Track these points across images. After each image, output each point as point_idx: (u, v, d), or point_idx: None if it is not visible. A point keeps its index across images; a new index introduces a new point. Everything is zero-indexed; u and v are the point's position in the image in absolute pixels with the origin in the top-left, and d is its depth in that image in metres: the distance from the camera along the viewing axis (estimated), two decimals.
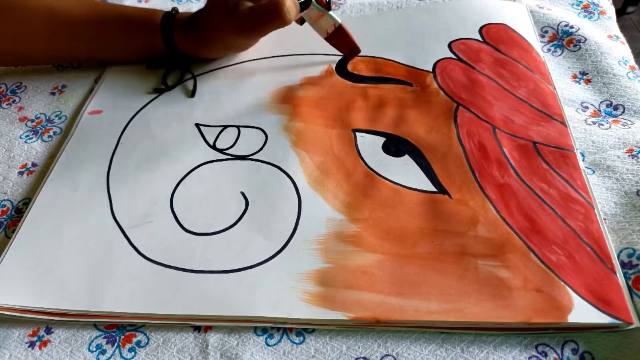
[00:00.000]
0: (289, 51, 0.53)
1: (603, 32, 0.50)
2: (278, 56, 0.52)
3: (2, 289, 0.37)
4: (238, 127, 0.46)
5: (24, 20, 0.50)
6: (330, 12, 0.48)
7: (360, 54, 0.50)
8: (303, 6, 0.45)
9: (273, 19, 0.43)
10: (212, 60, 0.53)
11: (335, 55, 0.51)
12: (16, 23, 0.50)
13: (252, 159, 0.43)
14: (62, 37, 0.51)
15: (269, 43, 0.53)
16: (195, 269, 0.37)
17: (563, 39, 0.50)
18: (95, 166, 0.44)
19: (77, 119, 0.49)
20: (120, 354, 0.35)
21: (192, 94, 0.49)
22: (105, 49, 0.53)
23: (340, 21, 0.49)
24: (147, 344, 0.35)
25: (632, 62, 0.47)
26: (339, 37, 0.49)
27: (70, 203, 0.42)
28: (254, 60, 0.52)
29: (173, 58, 0.51)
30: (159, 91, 0.51)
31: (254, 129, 0.45)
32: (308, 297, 0.34)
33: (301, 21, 0.50)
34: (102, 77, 0.53)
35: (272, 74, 0.51)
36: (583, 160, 0.40)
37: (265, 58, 0.53)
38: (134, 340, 0.35)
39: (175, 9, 0.50)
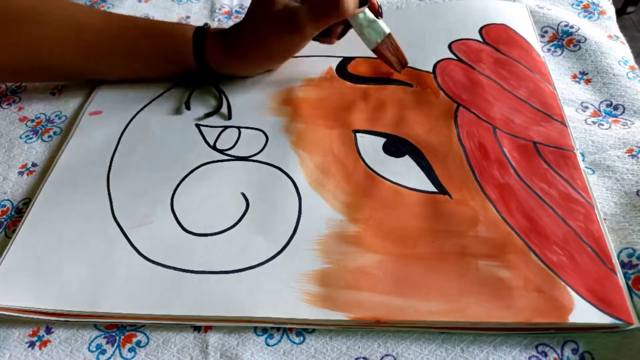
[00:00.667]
0: None
1: (603, 32, 0.50)
2: None
3: (2, 290, 0.37)
4: (238, 127, 0.46)
5: (47, 29, 0.48)
6: (380, 21, 0.46)
7: (361, 54, 0.50)
8: (362, 3, 0.43)
9: (332, 10, 0.42)
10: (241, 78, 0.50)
11: (335, 56, 0.51)
12: (38, 32, 0.48)
13: (252, 160, 0.43)
14: (89, 52, 0.49)
15: None
16: (195, 269, 0.37)
17: (563, 39, 0.50)
18: (95, 167, 0.44)
19: (77, 120, 0.49)
20: (120, 354, 0.35)
21: (228, 116, 0.47)
22: (133, 64, 0.50)
23: (388, 30, 0.46)
24: (147, 344, 0.35)
25: (632, 62, 0.47)
26: (387, 48, 0.47)
27: (70, 203, 0.42)
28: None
29: (202, 75, 0.48)
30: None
31: (255, 130, 0.45)
32: (308, 298, 0.34)
33: (340, 34, 0.48)
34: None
35: (272, 75, 0.51)
36: (583, 160, 0.40)
37: None
38: (134, 340, 0.35)
39: (207, 25, 0.48)
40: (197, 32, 0.47)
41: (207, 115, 0.48)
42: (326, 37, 0.47)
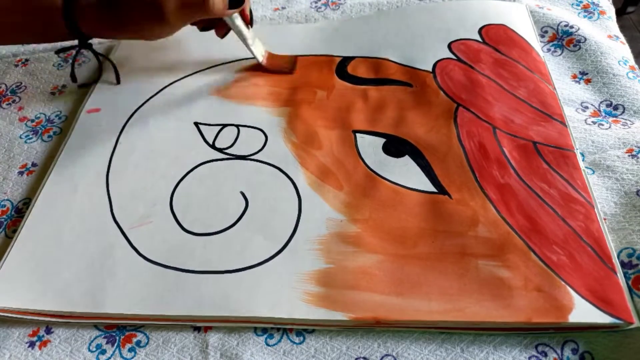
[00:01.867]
0: (290, 51, 0.53)
1: (603, 32, 0.50)
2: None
3: (3, 291, 0.37)
4: (237, 126, 0.46)
5: None
6: (257, 39, 0.49)
7: (360, 54, 0.50)
8: (235, 2, 0.44)
9: (197, 8, 0.42)
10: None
11: (339, 56, 0.51)
12: None
13: (252, 159, 0.43)
14: None
15: (269, 43, 0.53)
16: (195, 269, 0.37)
17: (563, 39, 0.50)
18: (94, 166, 0.44)
19: (74, 119, 0.49)
20: (120, 354, 0.35)
21: (117, 81, 0.49)
22: (7, 33, 0.49)
23: (265, 51, 0.51)
24: (147, 344, 0.35)
25: (632, 62, 0.47)
26: (275, 61, 0.51)
27: (70, 204, 0.42)
28: (250, 58, 0.52)
29: (79, 42, 0.48)
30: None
31: (254, 129, 0.45)
32: (308, 298, 0.34)
33: (225, 33, 0.50)
34: (100, 75, 0.53)
35: (272, 75, 0.51)
36: (583, 160, 0.40)
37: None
38: (134, 340, 0.35)
39: None
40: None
41: (87, 84, 0.50)
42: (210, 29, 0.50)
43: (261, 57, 0.50)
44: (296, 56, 0.51)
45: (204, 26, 0.50)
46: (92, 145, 0.46)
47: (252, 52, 0.49)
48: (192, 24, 0.49)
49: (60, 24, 0.46)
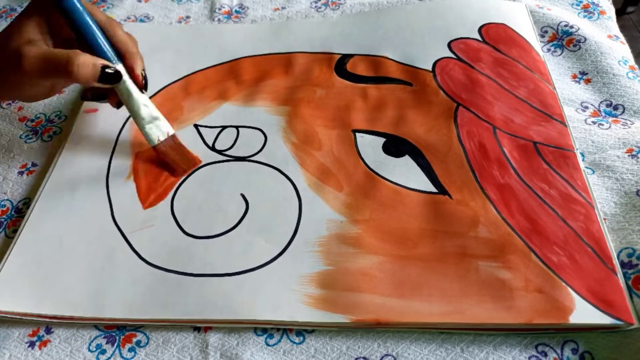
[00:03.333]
0: (288, 48, 0.52)
1: (603, 32, 0.50)
2: (276, 53, 0.52)
3: (3, 294, 0.37)
4: (237, 127, 0.46)
5: None
6: (163, 118, 0.43)
7: (360, 52, 0.50)
8: (109, 77, 0.39)
9: (60, 70, 0.38)
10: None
11: (338, 53, 0.50)
12: None
13: (251, 161, 0.43)
14: None
15: (267, 40, 0.53)
16: (196, 272, 0.37)
17: (563, 39, 0.50)
18: (94, 168, 0.44)
19: (74, 119, 0.49)
20: (120, 354, 0.35)
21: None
22: None
23: (172, 131, 0.43)
24: (147, 344, 0.35)
25: (632, 62, 0.47)
26: (173, 150, 0.43)
27: (70, 207, 0.42)
28: (250, 57, 0.52)
29: None
30: None
31: (253, 130, 0.45)
32: (309, 300, 0.34)
33: (119, 103, 0.43)
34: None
35: (271, 74, 0.50)
36: (583, 160, 0.40)
37: (262, 55, 0.52)
38: (134, 340, 0.35)
39: None
40: None
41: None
42: (102, 101, 0.45)
43: (155, 139, 0.42)
44: (199, 161, 0.43)
45: (92, 95, 0.45)
46: (91, 145, 0.46)
47: (142, 129, 0.42)
48: (83, 97, 0.46)
49: None
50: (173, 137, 0.43)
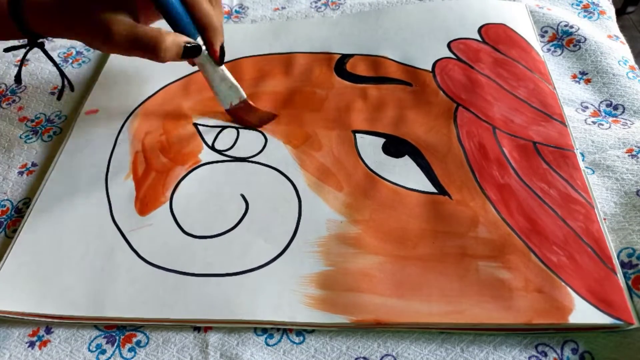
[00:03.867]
0: (288, 48, 0.52)
1: (603, 32, 0.50)
2: (276, 54, 0.52)
3: (3, 294, 0.37)
4: (237, 128, 0.46)
5: None
6: (234, 81, 0.44)
7: (359, 52, 0.50)
8: (190, 52, 0.40)
9: (148, 53, 0.39)
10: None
11: (337, 53, 0.50)
12: None
13: (251, 161, 0.43)
14: None
15: (267, 40, 0.53)
16: (196, 272, 0.37)
17: (563, 39, 0.50)
18: (94, 168, 0.44)
19: (74, 119, 0.49)
20: (120, 354, 0.35)
21: (70, 88, 0.47)
22: None
23: (245, 95, 0.45)
24: (147, 344, 0.35)
25: (632, 62, 0.47)
26: (243, 111, 0.46)
27: (69, 207, 0.42)
28: (250, 57, 0.52)
29: (29, 41, 0.44)
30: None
31: (253, 130, 0.45)
32: (309, 301, 0.34)
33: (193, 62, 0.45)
34: (98, 76, 0.53)
35: (271, 74, 0.50)
36: (583, 160, 0.40)
37: (262, 55, 0.52)
38: (134, 340, 0.35)
39: None
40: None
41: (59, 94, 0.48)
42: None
43: (228, 104, 0.45)
44: (274, 115, 0.46)
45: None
46: (91, 146, 0.46)
47: (217, 95, 0.45)
48: None
49: (8, 22, 0.42)
50: (245, 101, 0.45)
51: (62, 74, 0.47)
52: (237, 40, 0.54)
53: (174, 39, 0.39)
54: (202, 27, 0.41)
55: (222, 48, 0.43)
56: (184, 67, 0.52)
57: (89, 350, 0.35)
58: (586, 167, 0.39)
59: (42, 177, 0.45)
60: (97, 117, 0.49)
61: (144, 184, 0.43)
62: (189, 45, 0.40)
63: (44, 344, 0.36)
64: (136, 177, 0.43)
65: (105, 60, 0.54)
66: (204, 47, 0.42)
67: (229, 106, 0.45)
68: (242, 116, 0.46)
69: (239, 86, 0.45)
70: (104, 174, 0.44)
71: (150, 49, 0.38)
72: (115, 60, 0.54)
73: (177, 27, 0.40)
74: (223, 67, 0.44)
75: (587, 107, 0.44)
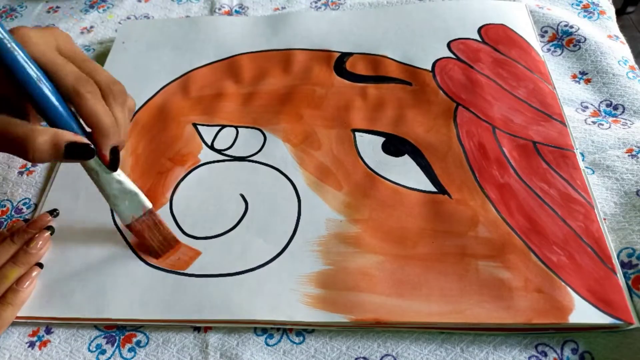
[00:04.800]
0: (287, 45, 0.52)
1: (603, 32, 0.50)
2: (275, 50, 0.52)
3: None
4: (236, 127, 0.46)
5: None
6: (140, 192, 0.37)
7: (359, 51, 0.50)
8: (76, 153, 0.32)
9: (16, 152, 0.32)
10: None
11: (337, 52, 0.50)
12: None
13: (251, 160, 0.43)
14: None
15: (266, 35, 0.53)
16: (196, 273, 0.37)
17: (563, 39, 0.50)
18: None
19: None
20: (120, 354, 0.35)
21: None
22: None
23: (150, 205, 0.37)
24: (147, 344, 0.35)
25: (632, 62, 0.47)
26: (148, 227, 0.38)
27: (72, 211, 0.42)
28: (248, 53, 0.52)
29: None
30: None
31: (252, 129, 0.45)
32: (309, 300, 0.34)
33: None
34: None
35: (269, 71, 0.50)
36: (583, 160, 0.40)
37: (260, 52, 0.52)
38: (134, 340, 0.35)
39: None
40: None
41: None
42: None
43: (129, 217, 0.37)
44: (177, 241, 0.39)
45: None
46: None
47: (113, 207, 0.37)
48: None
49: None
50: (150, 212, 0.38)
51: None
52: (235, 35, 0.54)
53: (48, 137, 0.31)
54: (89, 127, 0.34)
55: (114, 152, 0.35)
56: (182, 65, 0.52)
57: (89, 350, 0.35)
58: (586, 167, 0.39)
59: (42, 177, 0.45)
60: None
61: (145, 185, 0.42)
62: (75, 144, 0.32)
63: (44, 344, 0.36)
64: (137, 178, 0.43)
65: (104, 62, 0.54)
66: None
67: (130, 220, 0.37)
68: (144, 234, 0.38)
69: (141, 194, 0.37)
70: None
71: (18, 148, 0.31)
72: (115, 60, 0.54)
73: (58, 126, 0.33)
74: (120, 172, 0.36)
75: (587, 107, 0.44)
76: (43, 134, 0.31)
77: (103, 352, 0.35)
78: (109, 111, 0.34)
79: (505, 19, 0.51)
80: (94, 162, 0.35)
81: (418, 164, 0.41)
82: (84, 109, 0.33)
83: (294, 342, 0.34)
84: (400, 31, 0.52)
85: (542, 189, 0.38)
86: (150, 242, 0.38)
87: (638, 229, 0.35)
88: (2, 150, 0.32)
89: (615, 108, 0.44)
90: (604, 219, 0.36)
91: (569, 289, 0.33)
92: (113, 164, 0.35)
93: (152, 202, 0.38)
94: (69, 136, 0.32)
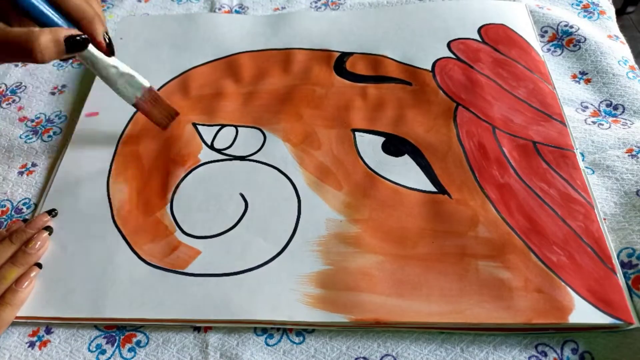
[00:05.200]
0: (287, 44, 0.52)
1: (603, 32, 0.50)
2: (275, 49, 0.52)
3: None
4: (236, 126, 0.46)
5: None
6: (137, 74, 0.41)
7: (359, 50, 0.50)
8: (73, 47, 0.35)
9: (22, 56, 0.34)
10: None
11: (337, 51, 0.50)
12: None
13: (250, 160, 0.43)
14: None
15: (265, 34, 0.53)
16: (195, 272, 0.37)
17: (563, 39, 0.50)
18: (95, 171, 0.44)
19: (76, 121, 0.49)
20: (120, 354, 0.35)
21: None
22: None
23: (148, 84, 0.42)
24: (147, 344, 0.35)
25: (631, 62, 0.47)
26: (150, 102, 0.43)
27: (72, 211, 0.42)
28: (248, 52, 0.52)
29: None
30: None
31: (252, 129, 0.45)
32: (308, 300, 0.34)
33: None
34: (96, 77, 0.53)
35: (270, 71, 0.50)
36: (583, 160, 0.40)
37: (260, 51, 0.52)
38: (134, 340, 0.35)
39: None
40: None
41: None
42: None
43: (133, 97, 0.42)
44: (177, 112, 0.45)
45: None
46: (93, 148, 0.46)
47: (117, 92, 0.41)
48: None
49: None
50: (150, 90, 0.42)
51: None
52: (234, 33, 0.54)
53: (50, 35, 0.33)
54: (75, 21, 0.36)
55: (107, 37, 0.38)
56: (181, 64, 0.52)
57: (89, 350, 0.35)
58: (586, 167, 0.40)
59: (42, 177, 0.45)
60: (99, 119, 0.48)
61: (145, 186, 0.42)
62: (71, 37, 0.34)
63: (44, 344, 0.36)
64: (137, 179, 0.43)
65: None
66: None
67: (134, 100, 0.42)
68: (148, 109, 0.43)
69: (138, 75, 0.41)
70: (106, 177, 0.43)
71: (22, 51, 0.33)
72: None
73: (49, 26, 0.35)
74: (115, 60, 0.40)
75: (587, 107, 0.44)
76: (44, 34, 0.33)
77: (103, 352, 0.35)
78: (88, 3, 0.37)
79: (505, 19, 0.51)
80: (89, 52, 0.38)
81: (418, 164, 0.41)
82: (69, 3, 0.36)
83: (294, 342, 0.34)
84: (400, 31, 0.52)
85: (542, 189, 0.38)
86: (156, 116, 0.43)
87: (638, 229, 0.35)
88: (4, 58, 0.35)
89: (615, 108, 0.44)
90: (604, 219, 0.37)
91: (569, 289, 0.33)
92: (110, 47, 0.39)
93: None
94: (65, 32, 0.34)
